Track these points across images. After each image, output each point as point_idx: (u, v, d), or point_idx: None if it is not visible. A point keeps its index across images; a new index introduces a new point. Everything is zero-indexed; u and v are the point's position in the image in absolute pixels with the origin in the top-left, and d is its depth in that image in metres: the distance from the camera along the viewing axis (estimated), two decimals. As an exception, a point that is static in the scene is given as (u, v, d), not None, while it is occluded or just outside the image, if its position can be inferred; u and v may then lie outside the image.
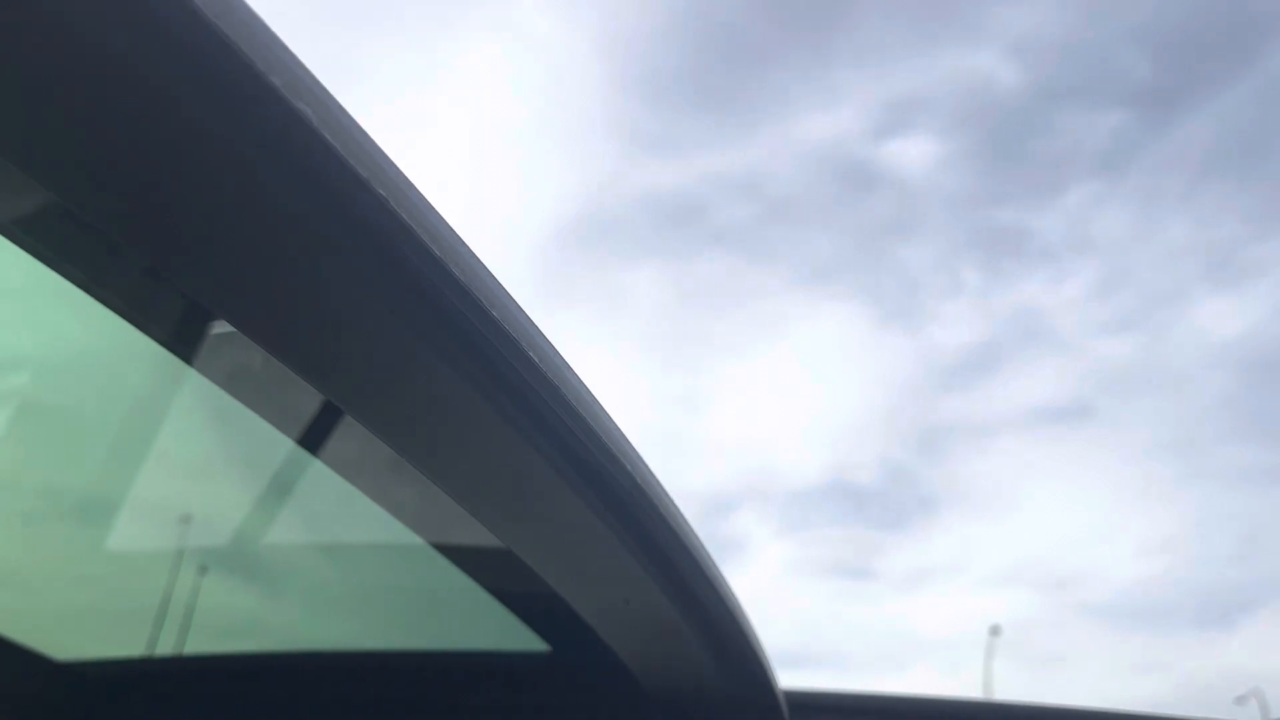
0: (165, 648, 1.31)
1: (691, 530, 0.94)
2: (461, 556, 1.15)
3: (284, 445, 0.94)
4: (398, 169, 0.57)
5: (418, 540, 1.11)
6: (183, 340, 0.81)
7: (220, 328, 0.78)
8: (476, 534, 1.15)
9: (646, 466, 0.87)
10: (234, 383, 0.83)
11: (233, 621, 1.41)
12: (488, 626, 1.27)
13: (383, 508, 1.06)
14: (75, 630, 1.36)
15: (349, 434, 0.91)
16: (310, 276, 0.57)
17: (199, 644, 1.33)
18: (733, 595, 1.01)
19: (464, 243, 0.62)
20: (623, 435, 0.81)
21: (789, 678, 1.26)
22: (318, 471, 0.99)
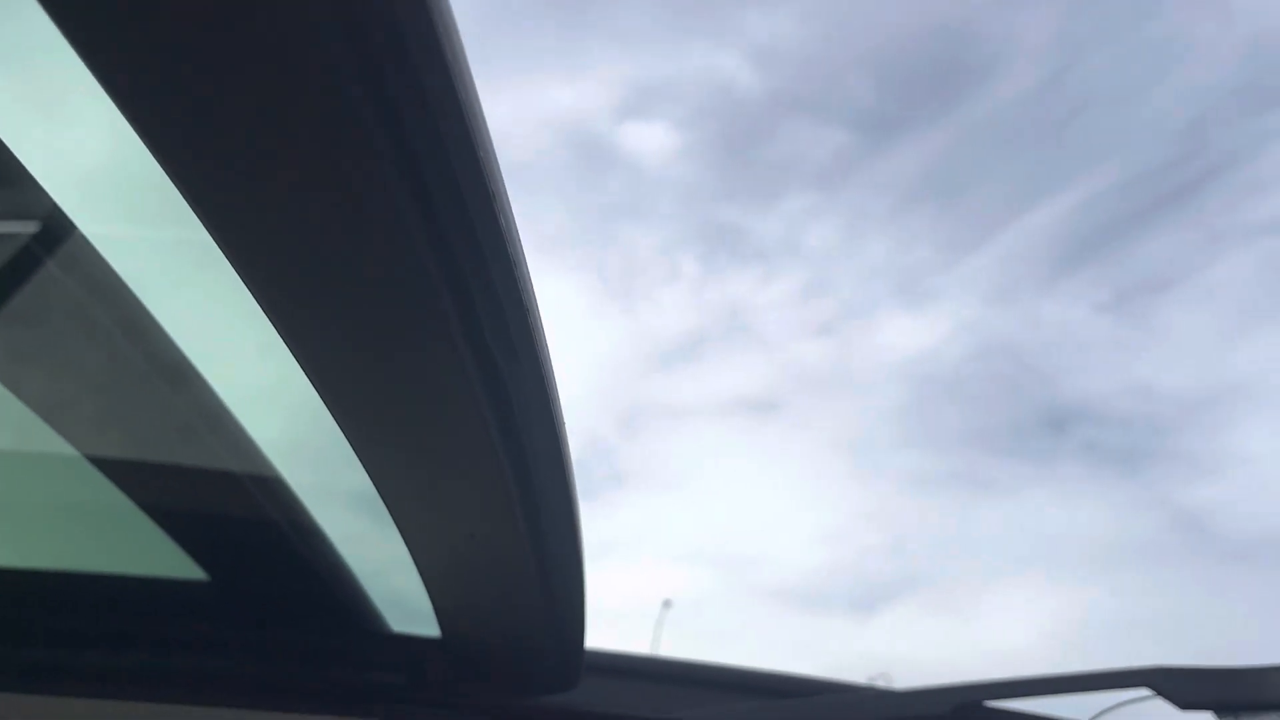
0: None
1: (573, 471, 0.82)
2: (119, 472, 1.02)
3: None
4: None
5: (69, 451, 0.97)
6: None
7: None
8: (141, 448, 1.02)
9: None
10: None
11: None
12: (142, 550, 1.15)
13: (35, 412, 0.92)
14: None
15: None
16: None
17: None
18: (581, 545, 0.92)
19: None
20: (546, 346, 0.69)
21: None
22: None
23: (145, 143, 0.51)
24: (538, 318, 0.64)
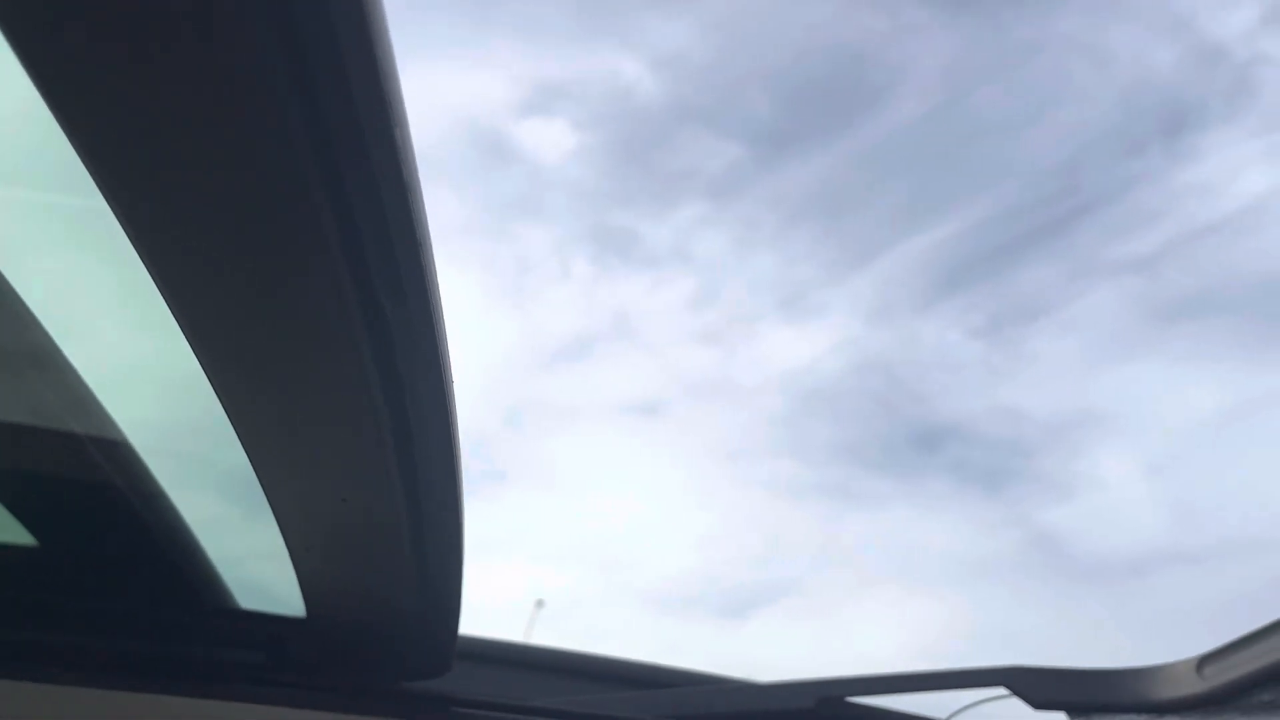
0: None
1: (459, 437, 0.77)
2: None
3: None
4: None
5: None
6: None
7: None
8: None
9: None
10: None
11: None
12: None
13: None
14: None
15: None
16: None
17: None
18: (462, 520, 0.87)
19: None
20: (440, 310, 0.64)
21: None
22: None
23: (36, 82, 0.47)
24: (430, 257, 0.60)
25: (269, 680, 1.09)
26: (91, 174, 0.51)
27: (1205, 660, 1.52)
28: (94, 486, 1.03)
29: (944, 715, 1.53)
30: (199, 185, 0.53)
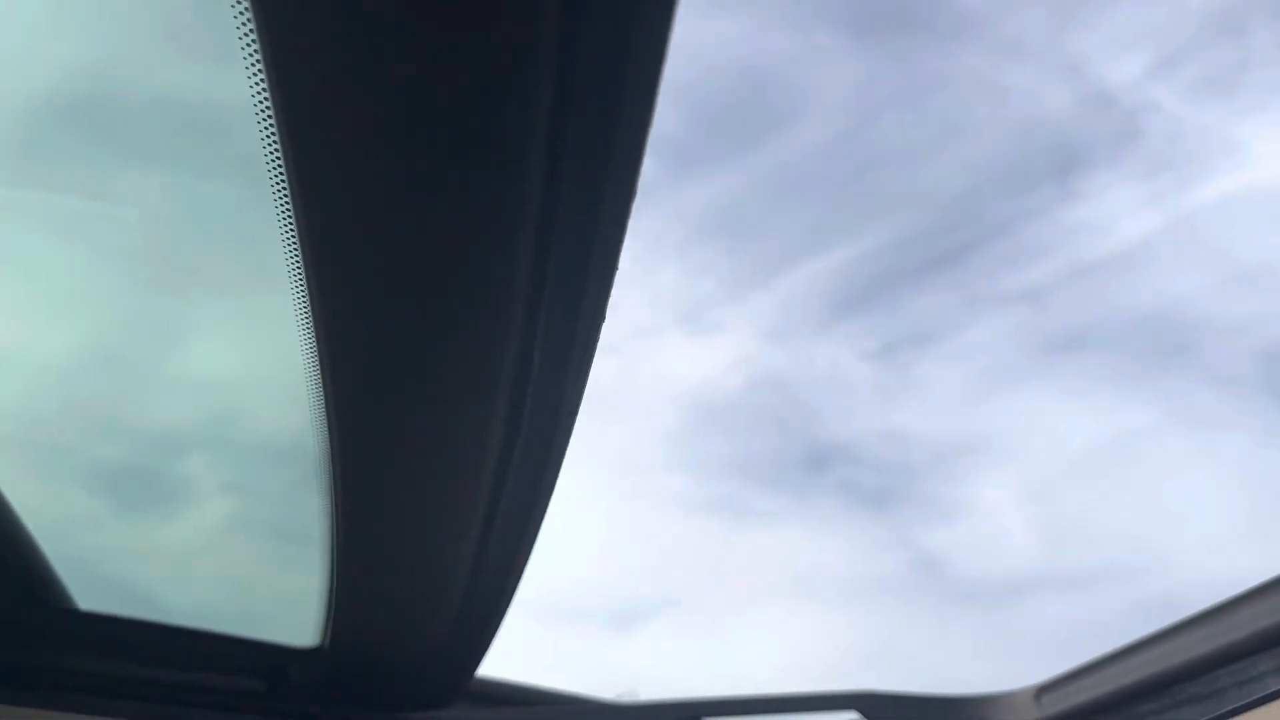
0: None
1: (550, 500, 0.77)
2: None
3: None
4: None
5: None
6: None
7: None
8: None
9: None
10: None
11: None
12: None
13: None
14: None
15: None
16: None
17: None
18: (522, 576, 0.84)
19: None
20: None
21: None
22: None
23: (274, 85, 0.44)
24: (595, 348, 0.60)
25: (267, 709, 1.05)
26: (297, 219, 0.49)
27: (1044, 689, 1.62)
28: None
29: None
30: (392, 263, 0.52)
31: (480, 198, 0.52)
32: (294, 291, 0.58)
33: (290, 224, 0.55)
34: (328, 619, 0.96)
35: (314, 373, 0.63)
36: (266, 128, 0.50)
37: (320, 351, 0.61)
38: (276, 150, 0.51)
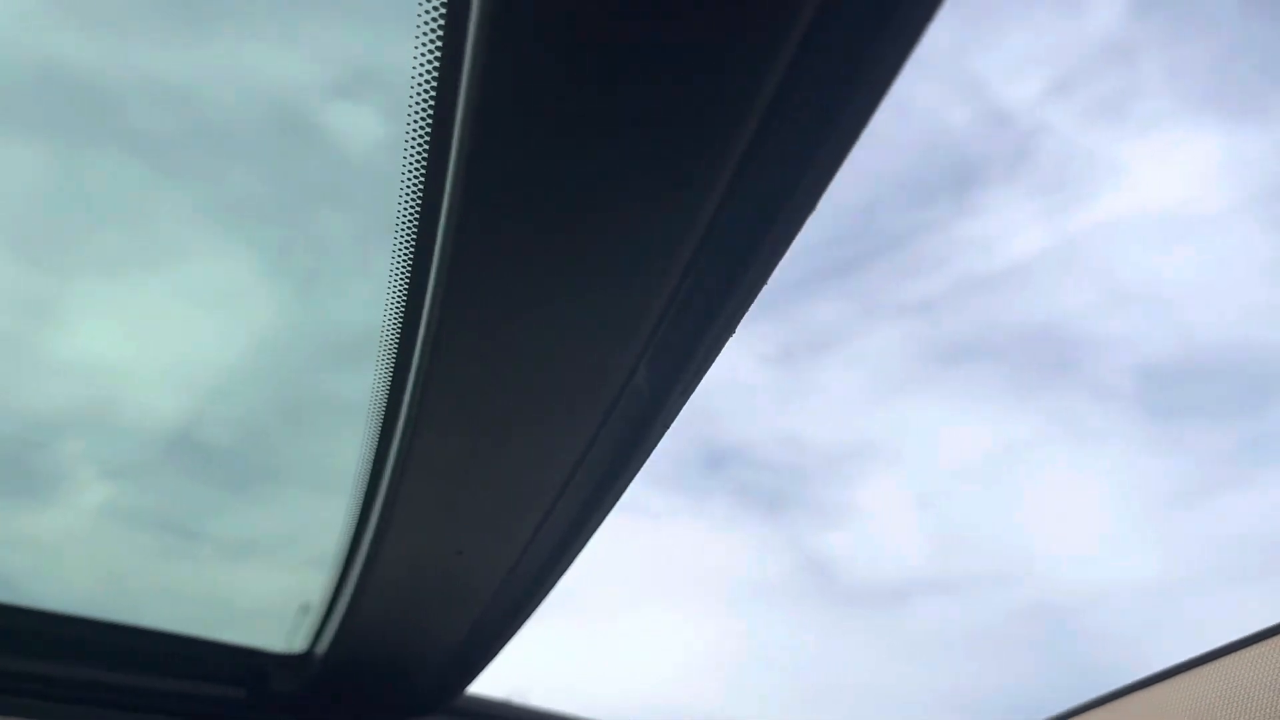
0: None
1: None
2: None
3: None
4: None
5: None
6: None
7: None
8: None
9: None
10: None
11: None
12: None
13: None
14: None
15: None
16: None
17: None
18: (548, 594, 0.79)
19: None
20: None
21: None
22: None
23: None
24: (712, 362, 0.58)
25: (248, 717, 0.99)
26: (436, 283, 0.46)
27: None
28: None
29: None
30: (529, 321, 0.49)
31: (657, 203, 0.48)
32: (389, 297, 0.55)
33: (415, 221, 0.51)
34: (322, 626, 0.91)
35: (383, 384, 0.59)
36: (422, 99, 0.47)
37: (419, 364, 0.57)
38: (424, 128, 0.47)
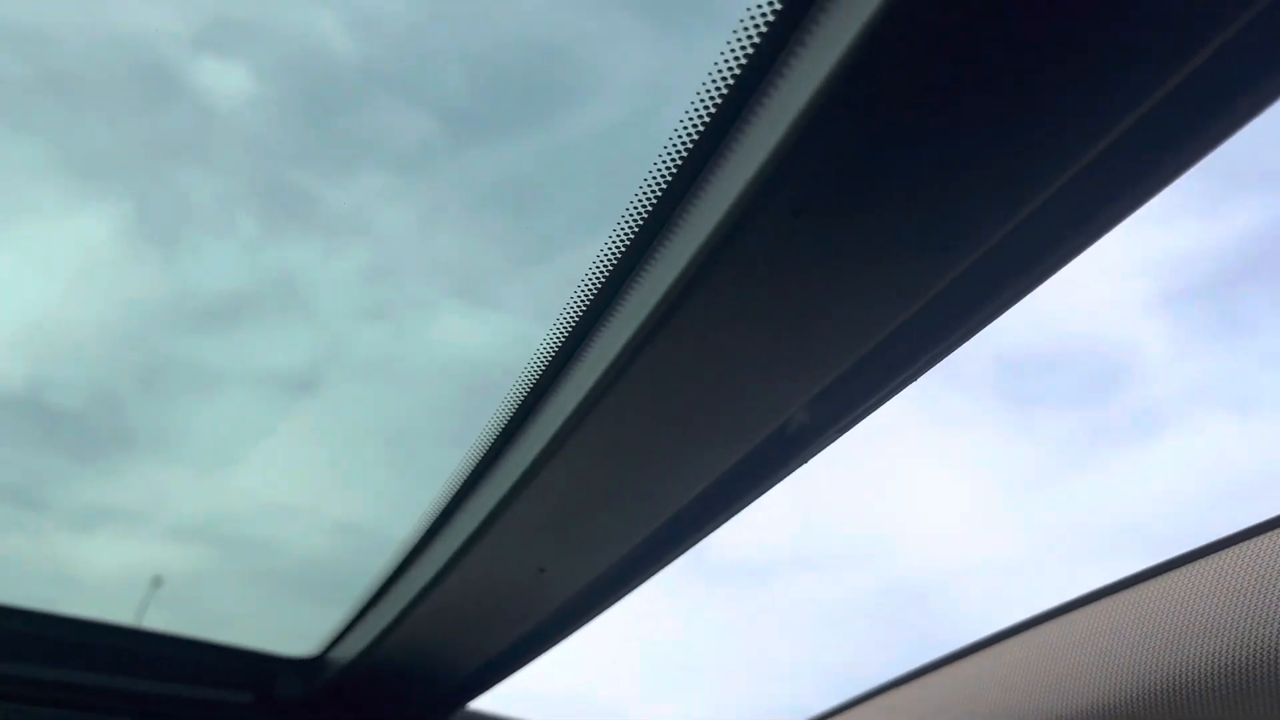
0: None
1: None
2: None
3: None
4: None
5: None
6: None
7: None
8: None
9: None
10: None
11: None
12: None
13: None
14: None
15: None
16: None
17: None
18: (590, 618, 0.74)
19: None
20: None
21: None
22: None
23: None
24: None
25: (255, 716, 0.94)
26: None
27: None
28: None
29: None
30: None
31: (895, 273, 0.45)
32: (558, 324, 0.51)
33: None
34: (346, 631, 0.87)
35: (510, 404, 0.55)
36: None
37: (574, 390, 0.52)
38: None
